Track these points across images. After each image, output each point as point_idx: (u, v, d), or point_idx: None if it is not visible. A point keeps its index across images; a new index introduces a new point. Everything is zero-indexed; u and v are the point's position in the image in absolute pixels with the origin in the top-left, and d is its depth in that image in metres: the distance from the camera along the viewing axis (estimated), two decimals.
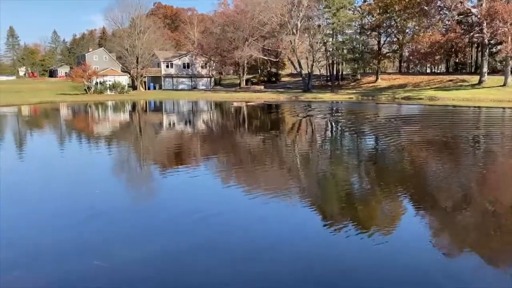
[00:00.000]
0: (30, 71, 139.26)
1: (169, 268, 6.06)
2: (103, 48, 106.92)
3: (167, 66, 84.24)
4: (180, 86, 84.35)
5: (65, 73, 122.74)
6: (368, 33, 72.73)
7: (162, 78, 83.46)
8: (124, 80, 72.63)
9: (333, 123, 27.72)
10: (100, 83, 66.15)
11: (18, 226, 7.73)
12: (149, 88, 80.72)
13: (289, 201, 9.38)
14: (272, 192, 9.99)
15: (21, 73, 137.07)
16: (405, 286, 5.60)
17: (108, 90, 65.09)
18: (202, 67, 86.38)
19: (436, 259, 6.41)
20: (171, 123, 29.63)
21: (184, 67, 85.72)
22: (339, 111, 38.07)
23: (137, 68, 75.23)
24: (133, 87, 76.94)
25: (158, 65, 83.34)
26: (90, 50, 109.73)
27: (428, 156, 15.33)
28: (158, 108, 46.30)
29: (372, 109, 39.60)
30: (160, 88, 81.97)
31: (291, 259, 6.30)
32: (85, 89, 64.93)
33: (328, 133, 23.83)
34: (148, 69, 79.40)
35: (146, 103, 51.97)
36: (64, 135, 23.20)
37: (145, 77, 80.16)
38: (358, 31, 71.97)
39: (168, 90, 78.50)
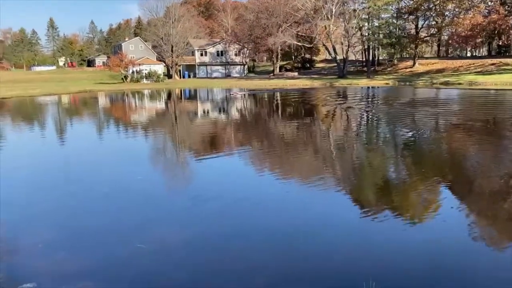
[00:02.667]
0: (69, 61, 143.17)
1: (207, 251, 6.17)
2: (138, 37, 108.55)
3: (201, 54, 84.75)
4: (214, 74, 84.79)
5: (103, 62, 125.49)
6: (405, 17, 70.60)
7: (196, 66, 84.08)
8: (160, 68, 73.58)
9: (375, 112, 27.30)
10: (137, 72, 67.29)
11: (61, 210, 8.03)
12: (183, 77, 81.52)
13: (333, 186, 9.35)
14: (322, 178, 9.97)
15: (61, 63, 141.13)
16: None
17: (144, 79, 66.17)
18: (235, 54, 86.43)
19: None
20: (205, 111, 29.91)
21: (218, 55, 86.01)
22: (378, 98, 37.39)
23: (172, 57, 76.02)
24: (168, 75, 77.86)
25: (193, 53, 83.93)
26: (126, 39, 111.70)
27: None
28: (192, 96, 46.78)
29: (410, 94, 38.72)
30: (195, 76, 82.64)
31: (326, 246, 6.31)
32: (122, 78, 66.30)
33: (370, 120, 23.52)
34: (183, 57, 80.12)
35: (181, 91, 52.57)
36: (106, 123, 23.81)
37: (179, 65, 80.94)
38: (395, 15, 69.96)
39: (202, 78, 79.09)
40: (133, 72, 66.81)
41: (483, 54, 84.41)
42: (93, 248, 6.30)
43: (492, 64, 59.75)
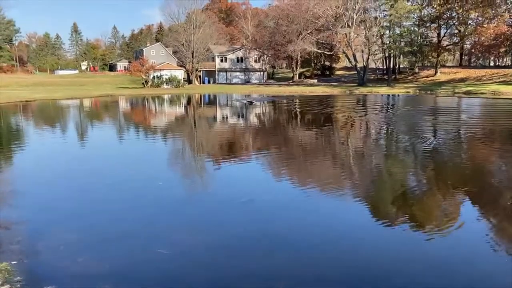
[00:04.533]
0: (91, 65, 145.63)
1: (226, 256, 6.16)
2: (160, 42, 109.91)
3: (221, 60, 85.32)
4: (234, 80, 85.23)
5: (124, 67, 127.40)
6: (427, 25, 70.05)
7: (216, 72, 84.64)
8: (180, 74, 74.29)
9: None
10: (157, 77, 68.06)
11: (84, 214, 8.11)
12: (203, 82, 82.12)
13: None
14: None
15: (83, 67, 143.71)
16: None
17: (165, 84, 66.86)
18: (255, 61, 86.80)
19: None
20: (224, 117, 30.02)
21: (237, 61, 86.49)
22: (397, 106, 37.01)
23: (192, 62, 76.72)
24: (189, 81, 78.52)
25: (213, 59, 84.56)
26: (147, 44, 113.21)
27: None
28: (212, 101, 47.02)
29: (431, 102, 38.23)
30: (214, 82, 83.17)
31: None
32: (143, 83, 67.11)
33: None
34: (203, 63, 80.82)
35: (200, 96, 52.91)
36: (126, 127, 24.07)
37: (200, 71, 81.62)
38: (417, 23, 69.44)
39: (222, 84, 79.51)
40: (153, 77, 67.59)
41: (507, 64, 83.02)
42: (115, 252, 6.34)
43: None
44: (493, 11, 57.23)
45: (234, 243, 6.72)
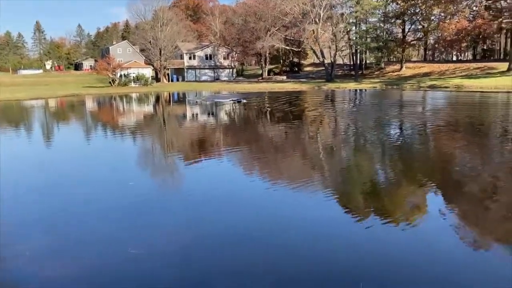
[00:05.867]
0: (56, 65, 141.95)
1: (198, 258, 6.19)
2: (126, 40, 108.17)
3: (190, 58, 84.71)
4: (203, 78, 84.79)
5: (90, 66, 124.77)
6: (392, 21, 71.44)
7: (185, 69, 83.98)
8: (148, 72, 73.36)
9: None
10: (124, 75, 67.01)
11: (48, 217, 7.98)
12: (172, 80, 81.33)
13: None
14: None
15: (48, 67, 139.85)
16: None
17: (132, 83, 65.94)
18: (224, 58, 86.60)
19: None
20: (194, 115, 29.89)
21: (206, 58, 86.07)
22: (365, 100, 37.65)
23: (160, 60, 75.85)
24: (157, 79, 77.66)
25: (181, 57, 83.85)
26: (114, 43, 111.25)
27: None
28: (181, 100, 46.69)
29: (397, 97, 39.12)
30: (183, 79, 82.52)
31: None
32: (109, 82, 65.96)
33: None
34: (171, 61, 79.97)
35: (169, 95, 52.46)
36: (94, 127, 23.65)
37: (168, 69, 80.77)
38: (382, 19, 70.76)
39: (191, 82, 78.98)
40: (121, 75, 66.52)
41: (468, 58, 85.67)
42: (85, 254, 6.28)
43: (477, 68, 60.72)
44: (455, 7, 58.84)
45: (206, 241, 6.76)
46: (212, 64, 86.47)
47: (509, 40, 63.19)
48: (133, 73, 69.00)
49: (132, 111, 34.15)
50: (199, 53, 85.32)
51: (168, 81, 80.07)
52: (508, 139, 16.55)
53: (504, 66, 56.50)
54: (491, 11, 57.29)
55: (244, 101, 35.76)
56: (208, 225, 7.43)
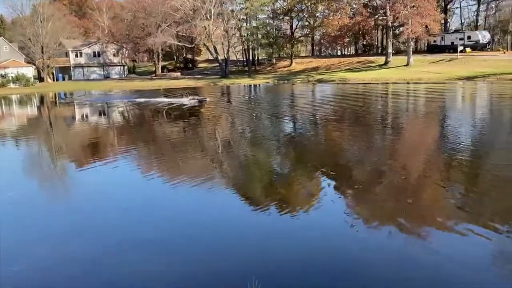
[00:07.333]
0: None
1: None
2: (2, 37, 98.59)
3: (76, 56, 79.88)
4: (92, 76, 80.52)
5: None
6: (281, 17, 73.91)
7: (72, 68, 79.03)
8: (29, 71, 67.84)
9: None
10: (2, 75, 61.46)
11: None
12: (57, 79, 76.09)
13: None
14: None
15: None
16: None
17: (11, 83, 60.74)
18: (114, 55, 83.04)
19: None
20: (84, 116, 28.37)
21: (94, 55, 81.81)
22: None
23: (43, 59, 70.49)
24: (40, 78, 72.11)
25: (67, 55, 78.66)
26: None
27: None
28: (67, 101, 43.94)
29: (289, 91, 40.74)
30: (70, 78, 77.59)
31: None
32: None
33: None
34: (56, 59, 74.64)
35: (54, 95, 49.13)
36: None
37: (52, 67, 75.42)
38: (271, 15, 72.90)
39: (79, 81, 74.60)
40: None
41: (351, 53, 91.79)
42: None
43: (359, 62, 65.44)
44: (337, 4, 62.44)
45: (100, 253, 6.50)
46: (101, 62, 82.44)
47: (385, 36, 68.72)
48: (12, 73, 63.49)
49: (15, 114, 31.43)
50: (86, 50, 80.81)
51: (54, 80, 74.79)
52: (387, 125, 18.14)
53: (382, 60, 61.67)
54: (368, 9, 61.78)
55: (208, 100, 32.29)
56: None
